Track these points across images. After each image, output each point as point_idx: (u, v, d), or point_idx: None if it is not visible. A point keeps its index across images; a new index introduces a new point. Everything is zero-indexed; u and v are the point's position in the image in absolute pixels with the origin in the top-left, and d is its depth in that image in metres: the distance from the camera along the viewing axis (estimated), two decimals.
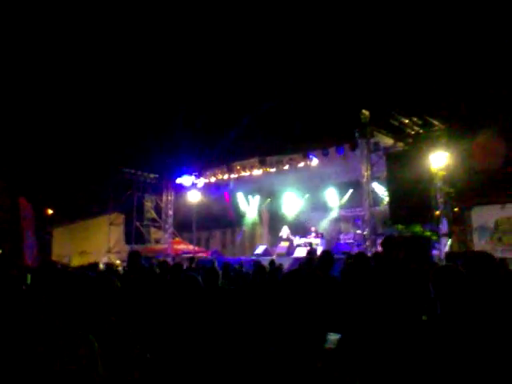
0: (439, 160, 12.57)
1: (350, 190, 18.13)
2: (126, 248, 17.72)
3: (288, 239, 17.53)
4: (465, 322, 2.29)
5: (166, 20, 18.36)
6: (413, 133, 12.82)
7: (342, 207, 19.18)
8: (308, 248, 13.87)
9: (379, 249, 12.22)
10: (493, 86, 14.22)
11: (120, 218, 19.51)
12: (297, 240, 17.21)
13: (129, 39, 18.81)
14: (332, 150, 13.65)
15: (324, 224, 19.76)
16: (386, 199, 13.02)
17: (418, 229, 12.32)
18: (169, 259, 17.53)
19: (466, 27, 14.48)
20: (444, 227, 13.05)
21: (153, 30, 18.57)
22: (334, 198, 19.24)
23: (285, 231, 18.06)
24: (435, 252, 11.91)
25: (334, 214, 19.64)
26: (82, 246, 22.68)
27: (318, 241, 16.67)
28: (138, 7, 18.04)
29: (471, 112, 13.89)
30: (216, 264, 9.07)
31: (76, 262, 19.45)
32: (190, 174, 17.25)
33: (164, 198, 18.71)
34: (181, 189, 18.29)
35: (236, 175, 16.21)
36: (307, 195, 19.84)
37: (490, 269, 2.96)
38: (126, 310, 3.13)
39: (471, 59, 14.51)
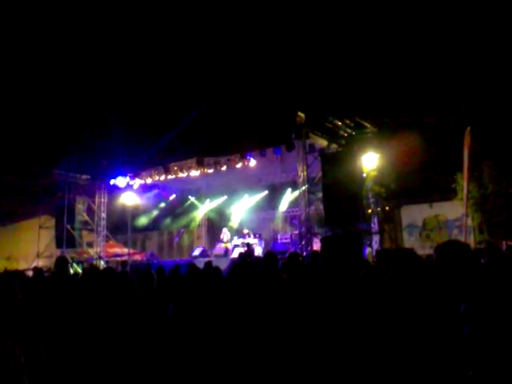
0: (371, 161, 13.09)
1: (288, 190, 18.44)
2: (57, 252, 16.90)
3: (228, 241, 17.44)
4: (390, 320, 2.36)
5: (96, 18, 17.72)
6: (345, 135, 13.23)
7: (279, 207, 19.43)
8: (245, 249, 13.90)
9: (315, 248, 12.51)
10: (418, 92, 15.02)
11: (50, 221, 18.60)
12: (235, 240, 17.21)
13: (61, 38, 17.98)
14: (269, 151, 13.76)
15: (262, 224, 19.93)
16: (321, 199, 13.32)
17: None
18: (102, 262, 16.95)
19: (393, 34, 15.19)
20: (375, 225, 13.61)
21: (84, 29, 17.86)
22: (271, 199, 19.45)
23: (225, 234, 17.90)
24: (367, 249, 12.39)
25: (272, 214, 19.87)
26: (9, 250, 21.40)
27: (256, 241, 16.77)
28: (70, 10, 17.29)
29: (398, 115, 14.58)
30: (151, 267, 8.85)
31: (2, 267, 18.30)
32: (125, 175, 16.71)
33: (97, 199, 18.00)
34: (115, 190, 17.70)
35: (173, 176, 15.91)
36: (246, 195, 19.92)
37: (414, 267, 3.09)
38: (38, 318, 2.95)
39: (399, 65, 15.24)
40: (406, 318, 2.28)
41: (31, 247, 18.80)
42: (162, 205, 20.34)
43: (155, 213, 20.38)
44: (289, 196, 18.66)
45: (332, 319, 3.25)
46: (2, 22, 17.08)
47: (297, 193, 14.10)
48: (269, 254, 5.49)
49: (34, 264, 16.36)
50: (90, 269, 6.48)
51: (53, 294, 4.84)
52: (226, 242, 17.30)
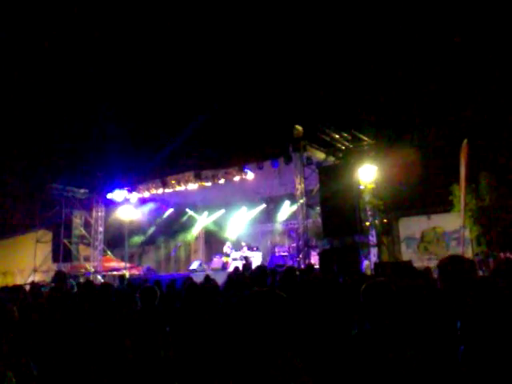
0: (368, 174, 13.11)
1: (286, 203, 18.43)
2: (54, 267, 16.77)
3: (229, 255, 17.34)
4: (393, 338, 2.31)
5: (95, 30, 17.84)
6: (343, 147, 13.28)
7: (277, 220, 19.41)
8: (243, 262, 13.83)
9: (312, 261, 12.48)
10: (415, 105, 15.13)
11: (47, 235, 18.49)
12: (233, 254, 17.13)
13: (59, 50, 18.09)
14: (267, 164, 13.75)
15: (260, 237, 19.88)
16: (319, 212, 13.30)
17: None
18: (99, 277, 16.84)
19: (390, 48, 15.34)
20: (373, 238, 13.58)
21: (82, 45, 17.99)
22: (269, 211, 19.45)
23: (227, 247, 17.77)
24: (365, 262, 12.34)
25: (270, 226, 19.83)
26: (6, 265, 21.26)
27: (254, 254, 16.69)
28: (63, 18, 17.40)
29: (395, 128, 14.67)
30: (148, 282, 8.77)
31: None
32: (122, 189, 16.66)
33: (94, 213, 17.93)
34: (112, 204, 17.63)
35: (171, 189, 15.87)
36: (244, 208, 19.89)
37: (412, 280, 3.07)
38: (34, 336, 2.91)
39: (395, 79, 15.37)
40: (407, 335, 2.24)
41: (28, 262, 18.67)
42: (159, 218, 20.25)
43: (152, 226, 20.28)
44: (287, 209, 18.65)
45: (330, 338, 3.20)
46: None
47: (295, 206, 14.08)
48: (259, 269, 5.35)
49: (31, 279, 16.25)
50: (86, 284, 6.39)
51: (51, 309, 4.78)
52: (227, 256, 17.20)
